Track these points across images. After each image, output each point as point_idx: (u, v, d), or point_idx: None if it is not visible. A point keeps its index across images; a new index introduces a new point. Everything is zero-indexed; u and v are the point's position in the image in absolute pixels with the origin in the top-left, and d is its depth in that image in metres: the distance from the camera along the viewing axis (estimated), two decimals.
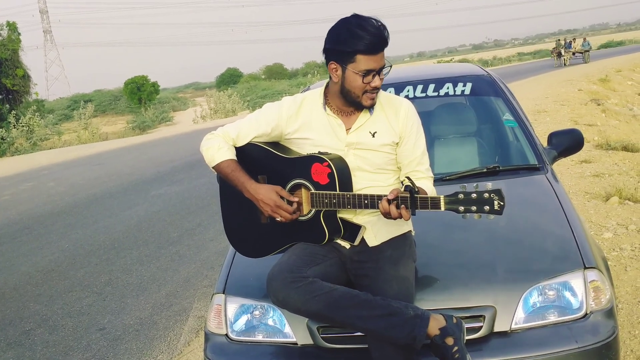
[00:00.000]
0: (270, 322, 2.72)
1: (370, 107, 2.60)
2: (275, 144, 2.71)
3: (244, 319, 2.76)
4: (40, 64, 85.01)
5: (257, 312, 2.75)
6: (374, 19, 2.47)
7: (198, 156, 11.13)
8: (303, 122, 2.64)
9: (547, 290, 2.56)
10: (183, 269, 5.96)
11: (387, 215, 2.37)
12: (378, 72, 2.50)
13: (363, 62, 2.46)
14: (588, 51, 39.56)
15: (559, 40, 42.53)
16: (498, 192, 2.21)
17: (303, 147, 2.65)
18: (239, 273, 2.94)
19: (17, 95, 29.25)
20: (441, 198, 2.27)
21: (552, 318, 2.52)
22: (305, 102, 2.68)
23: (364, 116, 2.62)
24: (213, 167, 2.67)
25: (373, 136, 2.61)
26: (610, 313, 2.55)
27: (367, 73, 2.48)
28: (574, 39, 42.45)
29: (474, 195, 2.23)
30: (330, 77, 2.61)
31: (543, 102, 16.52)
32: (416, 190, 2.30)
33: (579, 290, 2.55)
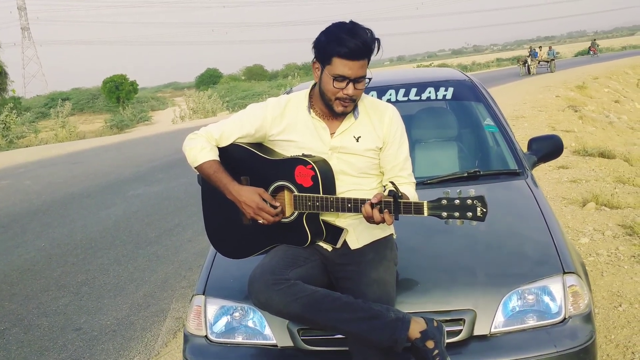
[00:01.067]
0: (250, 323, 2.71)
1: (341, 114, 2.58)
2: (259, 145, 2.70)
3: (224, 320, 2.75)
4: (17, 61, 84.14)
5: (237, 314, 2.74)
6: (365, 28, 2.45)
7: (177, 156, 11.12)
8: (287, 124, 2.64)
9: (526, 295, 2.58)
10: (161, 270, 5.92)
11: (369, 219, 2.38)
12: (354, 80, 2.47)
13: (339, 66, 2.44)
14: (554, 60, 38.74)
15: (531, 47, 42.02)
16: (481, 199, 2.23)
17: (287, 149, 2.65)
18: (220, 274, 2.93)
19: None
20: (424, 203, 2.28)
21: (531, 322, 2.54)
22: (290, 103, 2.68)
23: (348, 120, 2.62)
24: (195, 168, 2.65)
25: (357, 141, 2.61)
26: (588, 318, 2.58)
27: (339, 78, 2.46)
28: (540, 47, 41.67)
29: (457, 201, 2.25)
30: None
31: (521, 108, 16.66)
32: (400, 195, 2.31)
33: (557, 295, 2.58)
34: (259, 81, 59.36)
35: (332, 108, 2.56)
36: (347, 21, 2.49)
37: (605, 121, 16.39)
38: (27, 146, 25.28)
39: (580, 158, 9.65)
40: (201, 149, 2.61)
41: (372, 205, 2.35)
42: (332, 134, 2.62)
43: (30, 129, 29.03)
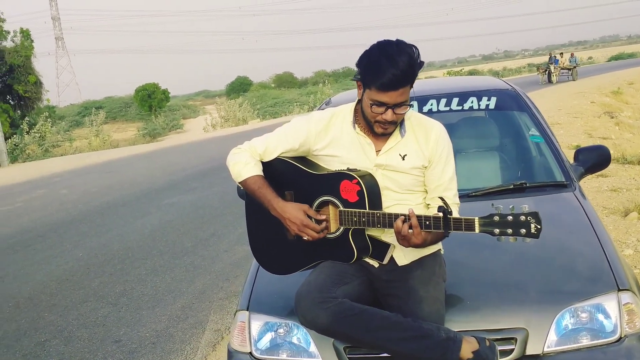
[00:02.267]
0: (294, 340, 2.67)
1: (381, 135, 2.53)
2: (303, 159, 2.67)
3: (268, 336, 2.71)
4: (51, 70, 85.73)
5: (281, 330, 2.70)
6: (410, 52, 2.35)
7: (210, 165, 11.23)
8: (332, 138, 2.60)
9: (580, 313, 2.51)
10: (198, 280, 5.92)
11: (397, 234, 2.35)
12: (393, 106, 2.41)
13: (376, 94, 2.39)
14: (575, 67, 36.75)
15: (551, 54, 39.29)
16: (535, 215, 2.17)
17: (330, 164, 2.61)
18: (263, 290, 2.89)
19: (28, 102, 29.42)
20: (475, 220, 2.23)
21: (585, 341, 2.46)
22: (334, 117, 2.63)
23: (394, 138, 2.56)
24: (239, 183, 2.62)
25: (403, 159, 2.55)
26: None
27: (377, 104, 2.41)
28: (561, 54, 39.19)
29: (509, 217, 2.19)
30: None
31: (556, 115, 16.44)
32: (450, 210, 2.25)
33: (612, 313, 2.49)
34: (289, 89, 59.51)
35: (372, 128, 2.52)
36: (394, 40, 2.42)
37: None
38: (62, 155, 25.65)
39: (619, 166, 9.46)
40: (245, 164, 2.59)
41: (404, 220, 2.31)
42: (377, 151, 2.57)
43: (65, 138, 29.40)
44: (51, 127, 27.64)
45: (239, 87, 67.34)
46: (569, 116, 16.28)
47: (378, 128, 2.49)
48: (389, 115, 2.42)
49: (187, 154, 18.49)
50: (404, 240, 2.34)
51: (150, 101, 48.43)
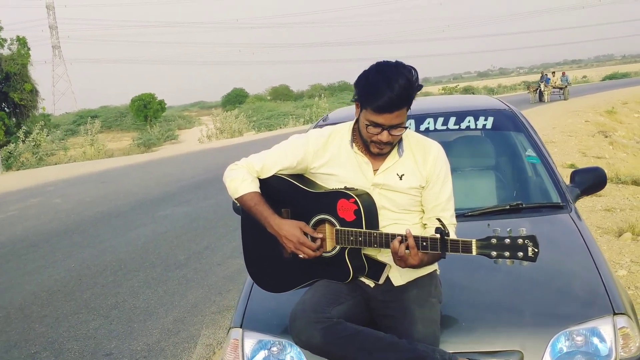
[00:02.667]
0: (288, 359, 2.65)
1: (377, 155, 2.53)
2: (300, 177, 2.66)
3: (261, 354, 2.70)
4: (47, 78, 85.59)
5: (275, 349, 2.68)
6: (408, 75, 2.34)
7: (205, 176, 11.21)
8: (330, 157, 2.59)
9: (575, 336, 2.50)
10: (190, 294, 5.89)
11: (394, 254, 2.35)
12: (388, 128, 2.41)
13: (372, 115, 2.39)
14: (567, 87, 35.93)
15: (543, 72, 38.83)
16: (532, 239, 2.16)
17: (328, 182, 2.60)
18: (257, 307, 2.88)
19: (24, 110, 29.32)
20: (473, 242, 2.22)
21: None
22: (332, 136, 2.63)
23: (392, 158, 2.56)
24: (236, 199, 2.61)
25: (400, 179, 2.55)
26: None
27: (373, 125, 2.41)
28: (553, 72, 38.43)
29: (507, 240, 2.18)
30: None
31: (550, 133, 16.50)
32: (447, 232, 2.25)
33: (607, 337, 2.49)
34: (285, 101, 59.55)
35: (368, 148, 2.52)
36: (393, 62, 2.42)
37: (636, 147, 16.23)
38: (56, 163, 25.57)
39: (613, 186, 9.49)
40: (242, 181, 2.58)
41: (402, 241, 2.30)
42: (375, 170, 2.57)
43: (60, 147, 29.32)
44: (46, 135, 27.55)
45: (235, 98, 67.40)
46: (563, 135, 16.35)
47: (374, 148, 2.49)
48: (384, 136, 2.42)
49: (182, 165, 18.45)
50: (401, 261, 2.33)
51: (146, 111, 48.37)
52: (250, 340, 2.71)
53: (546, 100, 34.06)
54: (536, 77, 38.77)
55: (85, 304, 5.84)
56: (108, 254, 7.63)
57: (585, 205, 8.14)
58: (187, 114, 68.82)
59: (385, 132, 2.41)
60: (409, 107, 2.42)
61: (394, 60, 2.42)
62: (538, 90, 35.51)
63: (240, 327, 2.77)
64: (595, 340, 2.50)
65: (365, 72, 2.43)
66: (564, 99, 34.23)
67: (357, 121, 2.57)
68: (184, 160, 20.25)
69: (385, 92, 2.32)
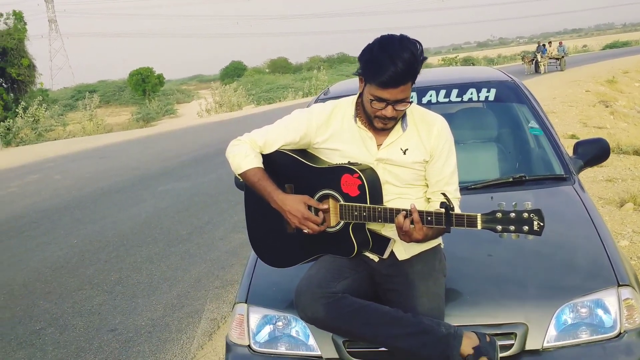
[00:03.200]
0: (293, 333, 2.66)
1: (381, 130, 2.50)
2: (303, 152, 2.64)
3: (266, 329, 2.71)
4: (44, 53, 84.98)
5: (280, 323, 2.70)
6: (412, 49, 2.31)
7: (204, 151, 11.18)
8: (333, 132, 2.57)
9: (579, 308, 2.51)
10: (193, 269, 5.91)
11: (399, 229, 2.33)
12: (393, 102, 2.39)
13: (376, 90, 2.36)
14: (564, 57, 35.17)
15: (539, 43, 38.39)
16: (538, 212, 2.15)
17: (331, 157, 2.58)
18: (262, 282, 2.88)
19: (22, 85, 29.21)
20: (478, 216, 2.21)
21: (585, 337, 2.46)
22: (335, 110, 2.61)
23: (396, 132, 2.53)
24: (239, 175, 2.60)
25: (404, 153, 2.53)
26: None
27: (377, 100, 2.38)
28: (550, 42, 37.69)
29: (512, 214, 2.17)
30: None
31: (551, 103, 16.43)
32: (451, 206, 2.24)
33: (612, 309, 2.49)
34: (283, 74, 59.26)
35: (371, 122, 2.50)
36: (397, 36, 2.38)
37: (637, 117, 16.17)
38: (55, 139, 25.53)
39: (614, 156, 9.45)
40: (245, 156, 2.56)
41: (406, 216, 2.29)
42: (379, 145, 2.55)
43: (59, 122, 29.23)
44: (45, 110, 27.45)
45: (233, 72, 67.03)
46: (564, 105, 16.28)
47: (378, 123, 2.47)
48: (389, 111, 2.40)
49: (181, 140, 18.42)
50: (405, 236, 2.32)
51: (145, 85, 48.14)
52: (256, 315, 2.72)
53: (542, 72, 33.33)
54: (535, 46, 38.02)
55: (88, 279, 5.86)
56: (110, 230, 7.64)
57: (587, 176, 8.13)
58: (185, 87, 68.56)
59: (389, 107, 2.39)
60: (413, 82, 2.39)
61: (398, 34, 2.39)
62: (534, 61, 34.81)
63: (245, 302, 2.78)
64: (600, 311, 2.51)
65: (369, 46, 2.40)
66: (561, 70, 33.64)
67: (360, 95, 2.55)
68: (183, 135, 20.21)
69: (390, 67, 2.28)
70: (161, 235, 7.21)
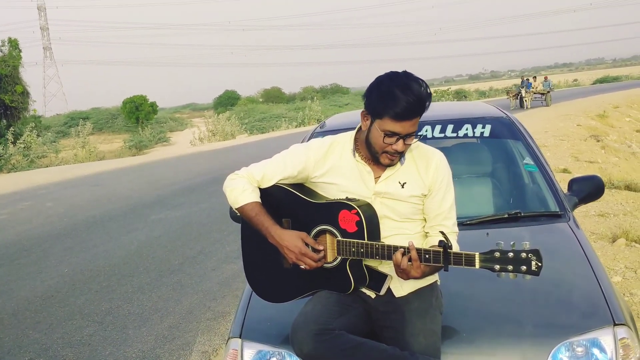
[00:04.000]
0: None
1: (387, 166, 2.52)
2: (300, 186, 2.65)
3: None
4: (38, 80, 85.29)
5: (274, 359, 2.67)
6: (420, 82, 2.38)
7: (197, 180, 11.15)
8: (331, 166, 2.58)
9: (575, 347, 2.50)
10: (185, 300, 5.87)
11: (397, 267, 2.34)
12: (404, 137, 2.42)
13: (389, 123, 2.38)
14: (549, 92, 34.27)
15: (523, 77, 37.27)
16: (536, 253, 2.16)
17: (329, 192, 2.59)
18: (256, 317, 2.86)
19: (15, 112, 29.13)
20: (476, 255, 2.22)
21: None
22: (333, 145, 2.62)
23: (394, 166, 2.56)
24: (236, 209, 2.60)
25: (402, 187, 2.54)
26: None
27: (390, 134, 2.40)
28: (534, 77, 36.70)
29: (510, 254, 2.18)
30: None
31: (543, 137, 16.53)
32: (450, 245, 2.24)
33: (608, 348, 2.49)
34: (277, 104, 59.42)
35: (377, 159, 2.51)
36: (401, 72, 2.43)
37: (627, 151, 16.26)
38: (47, 166, 25.41)
39: (607, 191, 9.45)
40: (242, 191, 2.56)
41: (404, 253, 2.29)
42: (376, 178, 2.56)
43: (51, 149, 29.14)
44: (37, 137, 27.39)
45: (227, 101, 67.24)
46: (555, 139, 16.40)
47: (385, 159, 2.48)
48: (399, 145, 2.41)
49: (174, 169, 18.38)
50: (403, 273, 2.32)
51: (138, 113, 48.23)
52: (250, 351, 2.70)
53: (527, 107, 32.74)
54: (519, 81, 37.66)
55: (79, 309, 5.81)
56: (101, 259, 7.59)
57: (579, 210, 8.05)
58: (178, 116, 68.66)
59: (400, 142, 2.41)
60: (421, 116, 2.43)
61: (401, 71, 2.44)
62: (519, 96, 34.02)
63: (240, 337, 2.75)
64: (596, 351, 2.50)
65: (376, 82, 2.44)
66: (546, 105, 32.95)
67: (358, 130, 2.58)
68: (177, 163, 20.18)
69: (404, 97, 2.32)
70: (153, 265, 7.16)
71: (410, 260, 2.29)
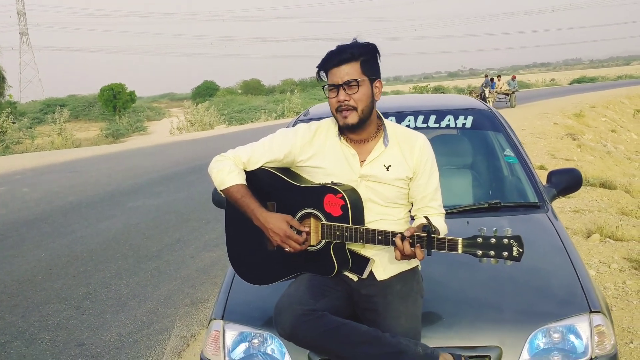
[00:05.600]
0: (269, 351, 2.66)
1: (344, 126, 2.55)
2: (286, 170, 2.67)
3: (242, 347, 2.70)
4: (14, 65, 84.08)
5: (256, 341, 2.69)
6: (355, 42, 2.54)
7: (175, 169, 11.10)
8: (316, 150, 2.61)
9: (552, 333, 2.55)
10: (163, 286, 5.86)
11: (400, 253, 2.34)
12: (343, 85, 2.48)
13: (327, 78, 2.54)
14: (514, 93, 32.38)
15: (487, 75, 35.42)
16: (518, 239, 2.21)
17: (314, 176, 2.62)
18: (238, 299, 2.88)
19: None
20: (459, 240, 2.26)
21: None
22: (319, 130, 2.65)
23: (378, 148, 2.59)
24: (221, 191, 2.61)
25: (387, 169, 2.58)
26: (614, 359, 2.54)
27: (330, 87, 2.52)
28: (499, 76, 34.48)
29: (492, 240, 2.22)
30: None
31: (520, 134, 16.61)
32: (433, 229, 2.28)
33: (584, 335, 2.55)
34: (256, 95, 59.28)
35: (340, 125, 2.57)
36: None
37: (603, 150, 16.47)
38: (22, 152, 25.15)
39: (582, 188, 9.61)
40: (229, 172, 2.57)
41: (403, 239, 2.32)
42: (362, 162, 2.60)
43: (27, 135, 28.85)
44: (12, 123, 27.08)
45: (205, 91, 67.00)
46: (532, 136, 16.56)
47: (340, 119, 2.54)
48: (341, 95, 2.49)
49: (152, 157, 18.26)
50: (407, 257, 2.36)
51: (115, 101, 47.88)
52: (232, 332, 2.72)
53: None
54: (505, 78, 36.67)
55: (56, 294, 5.78)
56: (78, 245, 7.55)
57: (555, 206, 8.16)
58: (156, 105, 68.19)
59: (341, 91, 2.49)
60: (366, 71, 2.51)
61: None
62: (482, 96, 31.22)
63: (222, 319, 2.77)
64: (572, 337, 2.56)
65: None
66: (510, 107, 31.15)
67: None
68: (154, 152, 20.04)
69: (331, 53, 2.52)
70: (130, 251, 7.14)
71: (411, 245, 2.32)
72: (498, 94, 32.49)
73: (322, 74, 2.56)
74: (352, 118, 2.52)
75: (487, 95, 31.18)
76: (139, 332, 4.81)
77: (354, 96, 2.49)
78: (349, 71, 2.47)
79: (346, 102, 2.49)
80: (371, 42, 2.55)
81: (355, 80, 2.48)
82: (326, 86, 2.54)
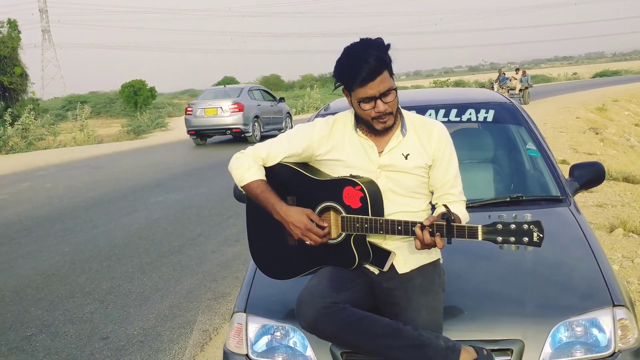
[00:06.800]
0: (291, 343, 2.68)
1: (384, 131, 2.56)
2: (305, 165, 2.68)
3: (264, 339, 2.72)
4: (37, 62, 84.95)
5: (278, 334, 2.71)
6: (375, 43, 2.45)
7: (196, 164, 11.21)
8: (335, 143, 2.62)
9: (575, 327, 2.54)
10: (185, 280, 5.91)
11: (421, 242, 2.34)
12: (380, 96, 2.46)
13: (360, 92, 2.45)
14: (527, 88, 30.89)
15: (500, 70, 34.36)
16: (537, 224, 2.20)
17: (334, 169, 2.63)
18: (261, 292, 2.90)
19: (13, 94, 29.06)
20: (479, 228, 2.25)
21: (579, 355, 2.50)
22: (336, 123, 2.66)
23: (396, 138, 2.59)
24: (242, 187, 2.63)
25: (406, 158, 2.58)
26: (637, 353, 2.53)
27: (365, 100, 2.46)
28: (517, 70, 33.10)
29: (512, 226, 2.21)
30: None
31: (542, 129, 16.47)
32: (452, 218, 2.28)
33: (607, 328, 2.53)
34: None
35: (374, 128, 2.55)
36: (358, 41, 2.50)
37: (626, 144, 16.33)
38: (45, 148, 25.36)
39: (605, 182, 9.51)
40: (248, 169, 2.59)
41: (423, 228, 2.32)
42: (380, 152, 2.60)
43: (50, 131, 29.08)
44: (35, 119, 27.30)
45: None
46: (554, 131, 16.44)
47: (377, 125, 2.52)
48: (380, 106, 2.46)
49: (173, 153, 18.39)
50: (427, 246, 2.36)
51: (136, 98, 47.99)
52: (254, 325, 2.74)
53: None
54: (530, 72, 35.59)
55: (80, 288, 5.85)
56: (101, 240, 7.63)
57: (578, 200, 8.15)
58: (177, 101, 68.36)
59: (379, 102, 2.46)
60: (390, 72, 2.48)
61: (358, 39, 2.51)
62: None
63: (244, 312, 2.80)
64: (595, 331, 2.55)
65: (337, 60, 2.51)
66: (524, 103, 29.04)
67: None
68: (176, 148, 20.17)
69: (360, 66, 2.40)
70: (153, 246, 7.20)
71: (431, 234, 2.31)
72: (509, 90, 31.07)
73: (349, 88, 2.51)
74: (390, 121, 2.54)
75: (496, 90, 29.55)
76: (162, 325, 4.86)
77: (391, 103, 2.49)
78: (383, 80, 2.44)
79: (386, 111, 2.49)
80: (378, 37, 2.51)
81: (393, 89, 2.48)
82: (360, 102, 2.48)
